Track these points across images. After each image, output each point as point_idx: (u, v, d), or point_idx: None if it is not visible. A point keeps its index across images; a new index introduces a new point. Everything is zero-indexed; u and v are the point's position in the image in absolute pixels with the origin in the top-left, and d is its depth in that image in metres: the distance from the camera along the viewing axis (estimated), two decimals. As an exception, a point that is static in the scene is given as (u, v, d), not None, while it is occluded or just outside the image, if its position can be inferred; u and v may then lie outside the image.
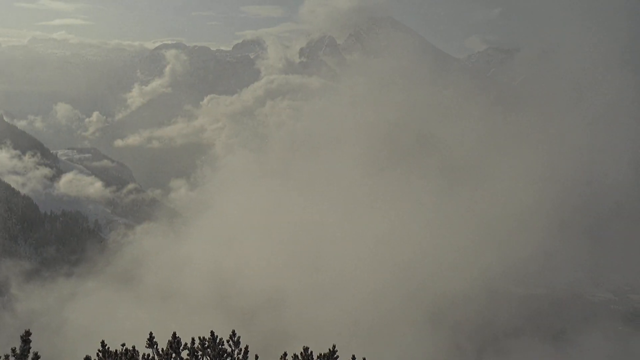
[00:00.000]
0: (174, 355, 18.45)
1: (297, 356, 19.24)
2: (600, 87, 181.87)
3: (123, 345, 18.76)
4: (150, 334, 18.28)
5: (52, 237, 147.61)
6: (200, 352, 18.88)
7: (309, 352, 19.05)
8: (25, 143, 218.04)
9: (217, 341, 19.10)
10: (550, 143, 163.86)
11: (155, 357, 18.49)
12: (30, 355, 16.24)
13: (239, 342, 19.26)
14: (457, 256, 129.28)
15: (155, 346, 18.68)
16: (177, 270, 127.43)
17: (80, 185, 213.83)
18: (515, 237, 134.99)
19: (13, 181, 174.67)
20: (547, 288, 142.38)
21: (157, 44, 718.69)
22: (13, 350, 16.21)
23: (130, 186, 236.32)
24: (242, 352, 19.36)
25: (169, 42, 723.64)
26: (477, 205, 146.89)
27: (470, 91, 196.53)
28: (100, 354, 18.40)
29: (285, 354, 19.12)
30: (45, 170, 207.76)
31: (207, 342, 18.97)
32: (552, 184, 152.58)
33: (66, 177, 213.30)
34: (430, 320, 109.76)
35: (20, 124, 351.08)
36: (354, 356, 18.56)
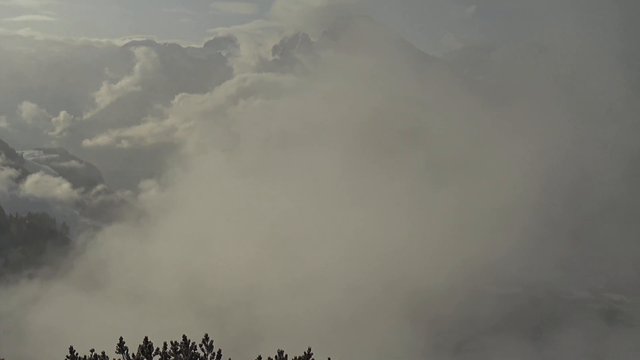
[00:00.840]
0: (145, 360, 18.31)
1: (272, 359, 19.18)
2: (591, 82, 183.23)
3: (92, 350, 18.57)
4: (121, 339, 18.12)
5: (17, 240, 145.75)
6: (172, 357, 18.75)
7: (284, 355, 19.02)
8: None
9: (190, 345, 18.99)
10: (537, 140, 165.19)
11: (126, 362, 18.33)
12: (-4, 362, 16.01)
13: (212, 346, 19.17)
14: (436, 253, 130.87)
15: (125, 351, 18.51)
16: (147, 272, 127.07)
17: (47, 187, 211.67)
18: (496, 235, 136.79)
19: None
20: (525, 287, 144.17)
21: (126, 41, 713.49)
22: (-23, 356, 15.97)
23: (99, 187, 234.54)
24: (215, 356, 19.27)
25: (139, 39, 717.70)
26: (459, 201, 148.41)
27: (449, 89, 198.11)
28: (69, 360, 18.20)
29: (259, 358, 19.05)
30: (11, 171, 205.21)
31: (179, 347, 18.85)
32: (539, 182, 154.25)
33: (32, 178, 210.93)
34: (409, 316, 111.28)
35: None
36: (329, 359, 18.57)
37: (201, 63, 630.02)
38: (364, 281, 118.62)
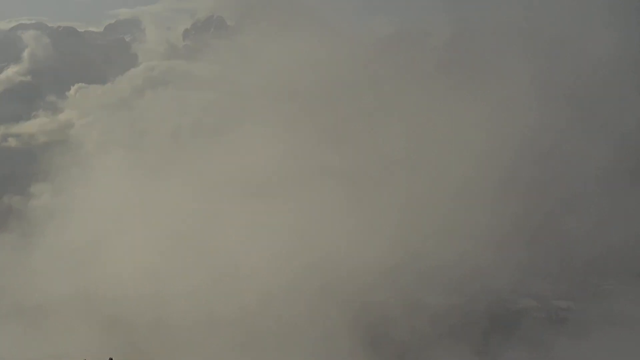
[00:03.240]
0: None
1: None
2: (557, 65, 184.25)
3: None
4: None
5: None
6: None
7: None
8: None
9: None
10: (494, 130, 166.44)
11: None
12: None
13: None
14: (377, 256, 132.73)
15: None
16: (40, 287, 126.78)
17: None
18: (444, 239, 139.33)
19: None
20: (469, 296, 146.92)
21: (12, 24, 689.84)
22: None
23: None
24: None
25: (27, 21, 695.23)
26: (406, 198, 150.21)
27: (385, 75, 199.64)
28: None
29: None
30: None
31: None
32: (497, 177, 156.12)
33: None
34: (345, 325, 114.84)
35: None
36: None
37: (101, 49, 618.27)
38: (295, 285, 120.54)
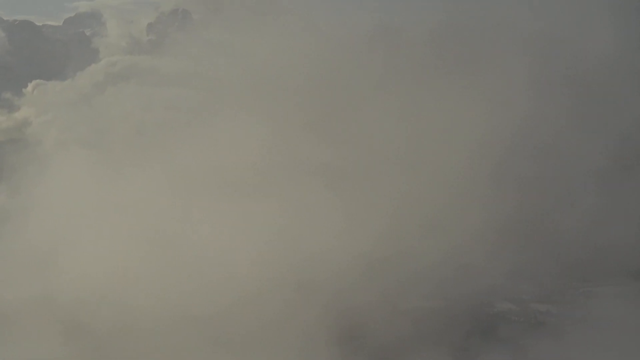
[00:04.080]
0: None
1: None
2: (545, 62, 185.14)
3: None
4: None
5: None
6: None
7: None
8: None
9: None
10: (485, 127, 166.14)
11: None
12: None
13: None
14: (358, 258, 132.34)
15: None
16: None
17: None
18: (428, 240, 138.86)
19: None
20: (448, 300, 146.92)
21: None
22: None
23: None
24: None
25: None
26: (396, 197, 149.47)
27: (365, 73, 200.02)
28: None
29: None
30: None
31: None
32: (487, 177, 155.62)
33: None
34: (322, 330, 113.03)
35: None
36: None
37: (60, 44, 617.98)
38: (274, 285, 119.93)
